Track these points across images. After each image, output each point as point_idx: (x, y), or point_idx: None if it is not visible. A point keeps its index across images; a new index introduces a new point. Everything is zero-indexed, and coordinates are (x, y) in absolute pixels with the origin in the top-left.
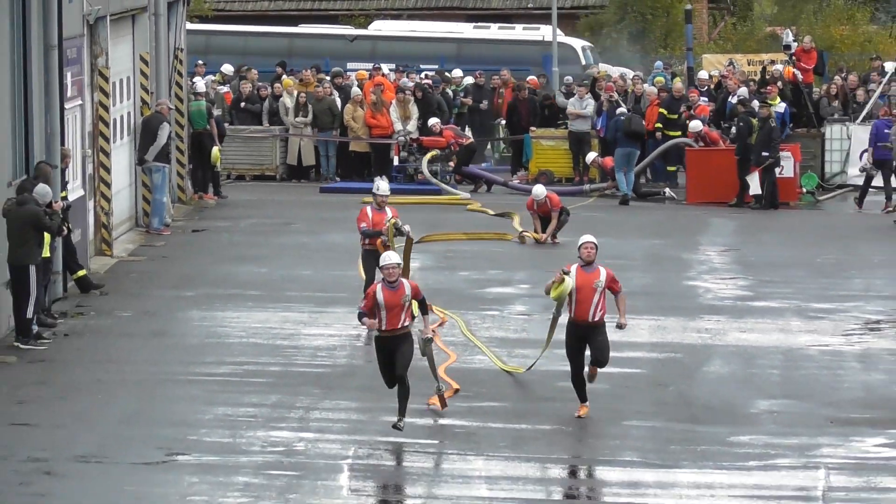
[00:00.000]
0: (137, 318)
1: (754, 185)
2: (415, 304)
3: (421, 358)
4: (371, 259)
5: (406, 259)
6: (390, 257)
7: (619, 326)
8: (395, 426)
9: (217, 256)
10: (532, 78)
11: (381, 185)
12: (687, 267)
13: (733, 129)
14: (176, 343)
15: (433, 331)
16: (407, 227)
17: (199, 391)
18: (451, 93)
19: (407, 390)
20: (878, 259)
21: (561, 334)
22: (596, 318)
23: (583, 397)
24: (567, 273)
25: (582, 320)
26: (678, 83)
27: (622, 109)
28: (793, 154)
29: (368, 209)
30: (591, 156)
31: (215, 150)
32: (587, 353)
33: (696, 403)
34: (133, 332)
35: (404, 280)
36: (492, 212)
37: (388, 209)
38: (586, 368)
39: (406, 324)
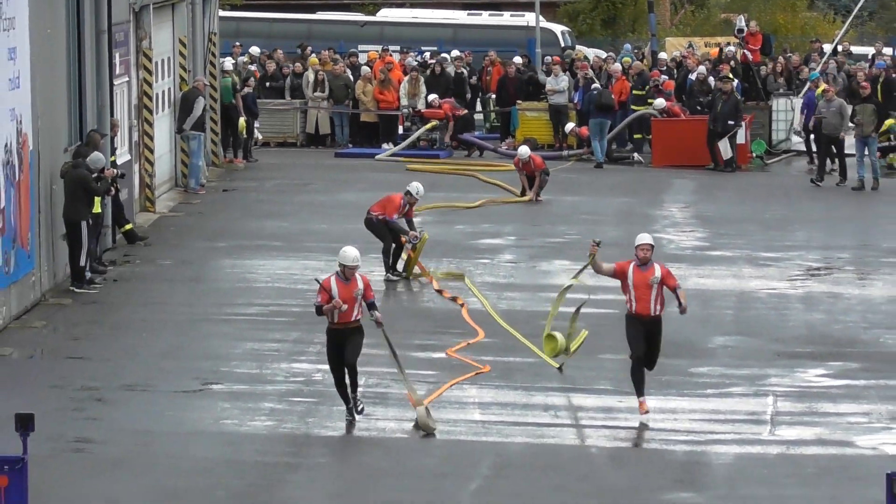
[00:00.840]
0: (176, 265)
1: (726, 149)
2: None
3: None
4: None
5: (416, 257)
6: (351, 258)
7: (682, 311)
8: (356, 413)
9: (245, 212)
10: (516, 58)
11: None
12: (653, 221)
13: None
14: (210, 287)
15: (379, 316)
16: (414, 234)
17: (230, 329)
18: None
19: (356, 379)
20: (818, 215)
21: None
22: (657, 312)
23: (640, 391)
24: (598, 244)
25: (645, 314)
26: (638, 64)
27: (596, 85)
28: (744, 123)
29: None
30: (570, 126)
31: (241, 120)
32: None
33: (661, 338)
34: (173, 278)
35: (357, 274)
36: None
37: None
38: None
39: (358, 317)
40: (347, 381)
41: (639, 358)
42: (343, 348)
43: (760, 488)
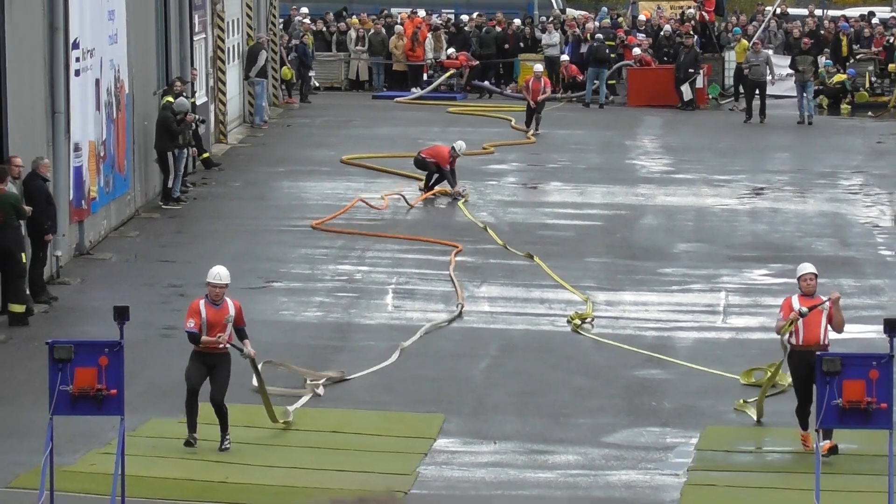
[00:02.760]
0: (244, 186)
1: (687, 92)
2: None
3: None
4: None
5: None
6: (220, 276)
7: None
8: (220, 448)
9: (300, 143)
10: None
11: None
12: (628, 150)
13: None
14: (271, 204)
15: (252, 352)
16: (458, 191)
17: (288, 237)
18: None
19: (225, 419)
20: (762, 144)
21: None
22: (826, 341)
23: (804, 424)
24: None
25: (814, 342)
26: (606, 21)
27: (599, 36)
28: (702, 71)
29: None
30: (565, 58)
31: (284, 69)
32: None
33: (634, 246)
34: (241, 196)
35: (228, 299)
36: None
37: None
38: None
39: (224, 345)
40: (213, 416)
41: (804, 406)
42: (210, 377)
43: (715, 365)
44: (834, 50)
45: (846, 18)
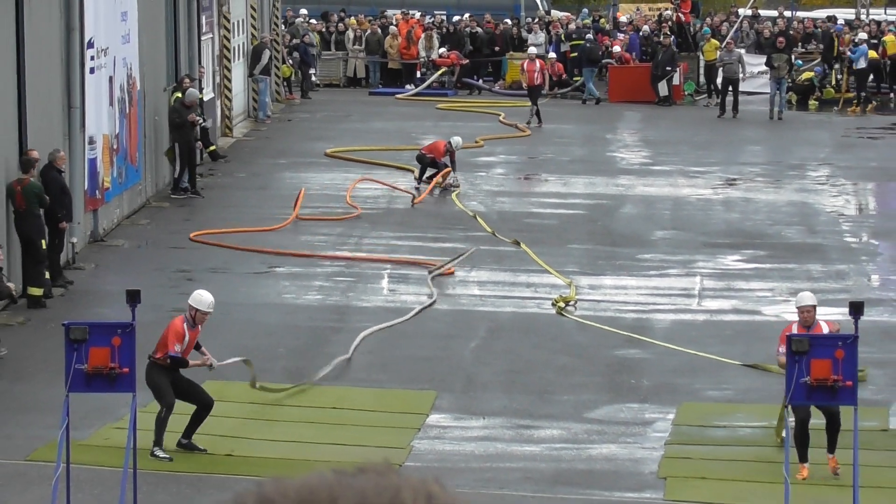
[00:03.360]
0: (248, 177)
1: (664, 89)
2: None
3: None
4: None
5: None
6: (212, 306)
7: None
8: (196, 449)
9: (301, 136)
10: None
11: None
12: (609, 143)
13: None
14: (273, 193)
15: (217, 363)
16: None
17: (289, 225)
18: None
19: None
20: (735, 138)
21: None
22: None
23: (803, 456)
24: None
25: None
26: (586, 21)
27: (589, 36)
28: (679, 69)
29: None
30: (552, 55)
31: (284, 67)
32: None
33: (615, 233)
34: (246, 186)
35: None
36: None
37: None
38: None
39: (215, 367)
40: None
41: (802, 427)
42: (183, 389)
43: (690, 345)
44: (828, 49)
45: (833, 19)
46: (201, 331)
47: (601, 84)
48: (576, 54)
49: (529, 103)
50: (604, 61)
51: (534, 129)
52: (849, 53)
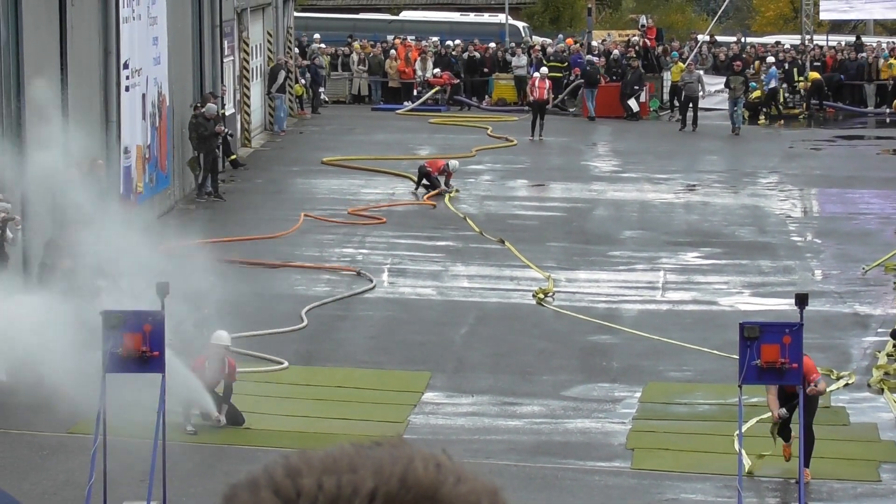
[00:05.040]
0: (265, 183)
1: (634, 105)
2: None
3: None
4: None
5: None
6: (222, 339)
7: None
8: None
9: (312, 147)
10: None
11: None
12: (583, 153)
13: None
14: (287, 197)
15: (219, 418)
16: (445, 189)
17: (301, 225)
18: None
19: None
20: (696, 149)
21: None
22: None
23: (786, 438)
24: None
25: (790, 391)
26: (561, 45)
27: (590, 57)
28: (646, 88)
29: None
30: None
31: (297, 86)
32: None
33: (588, 232)
34: (263, 191)
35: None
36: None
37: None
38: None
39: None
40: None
41: (783, 423)
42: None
43: (655, 332)
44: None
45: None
46: (226, 367)
47: (574, 102)
48: (582, 80)
49: (531, 116)
50: (578, 81)
51: (520, 141)
52: (762, 77)
